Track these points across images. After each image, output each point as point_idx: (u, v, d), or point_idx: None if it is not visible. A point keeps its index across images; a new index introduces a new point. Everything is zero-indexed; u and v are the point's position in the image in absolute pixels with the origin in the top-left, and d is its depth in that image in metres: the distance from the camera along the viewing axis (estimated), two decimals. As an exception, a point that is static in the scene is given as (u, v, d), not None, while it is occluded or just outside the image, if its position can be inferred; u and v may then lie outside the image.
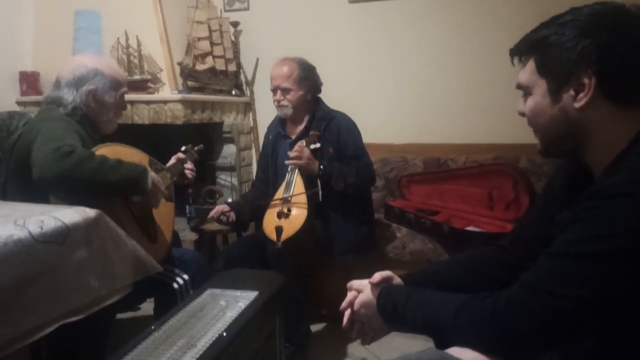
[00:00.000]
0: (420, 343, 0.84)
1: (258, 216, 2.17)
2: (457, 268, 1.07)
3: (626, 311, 0.71)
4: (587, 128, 0.80)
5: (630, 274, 0.68)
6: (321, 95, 2.28)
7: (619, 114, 0.78)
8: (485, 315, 0.76)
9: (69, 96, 1.65)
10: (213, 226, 2.53)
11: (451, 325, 0.80)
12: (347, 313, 1.00)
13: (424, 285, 0.98)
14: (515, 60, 0.88)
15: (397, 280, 1.03)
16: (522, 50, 0.86)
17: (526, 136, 0.94)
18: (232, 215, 2.19)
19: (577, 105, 0.79)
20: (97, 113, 1.71)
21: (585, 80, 0.77)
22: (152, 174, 1.55)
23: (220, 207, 2.19)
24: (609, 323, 0.73)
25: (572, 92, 0.79)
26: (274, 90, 2.20)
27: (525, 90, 0.87)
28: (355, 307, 0.97)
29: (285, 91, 2.16)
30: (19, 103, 3.00)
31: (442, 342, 0.82)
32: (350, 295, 1.00)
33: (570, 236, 0.73)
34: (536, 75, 0.83)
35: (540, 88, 0.83)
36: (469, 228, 2.24)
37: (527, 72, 0.85)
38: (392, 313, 0.89)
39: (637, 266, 0.67)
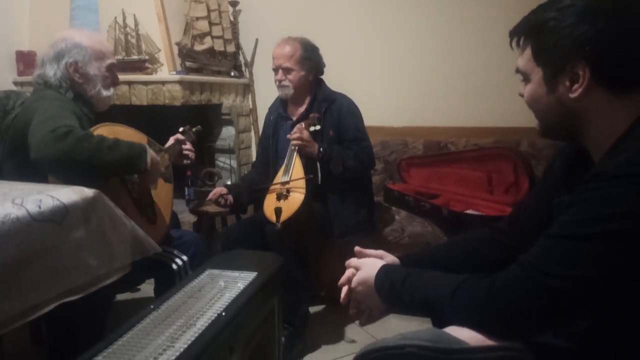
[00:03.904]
0: (418, 325, 0.84)
1: (257, 199, 2.17)
2: (455, 249, 1.07)
3: (623, 292, 0.71)
4: (584, 116, 0.80)
5: (628, 256, 0.68)
6: (322, 77, 2.26)
7: (616, 101, 0.77)
8: (483, 295, 0.76)
9: (50, 71, 1.63)
10: (212, 208, 2.53)
11: (448, 304, 0.80)
12: (345, 289, 1.00)
13: (421, 265, 0.98)
14: (514, 43, 0.87)
15: (391, 259, 1.03)
16: (520, 34, 0.85)
17: (527, 119, 0.93)
18: (230, 198, 2.18)
19: (572, 95, 0.78)
20: (83, 87, 1.67)
21: (580, 72, 0.77)
22: (151, 153, 1.53)
23: (218, 190, 2.19)
24: (606, 304, 0.73)
25: (567, 83, 0.79)
26: (276, 70, 2.17)
27: (524, 76, 0.86)
28: (353, 284, 0.97)
29: (286, 71, 2.14)
30: (15, 83, 2.97)
31: (439, 322, 0.82)
32: (348, 271, 1.01)
33: (570, 217, 0.73)
34: (532, 63, 0.83)
35: (537, 75, 0.82)
36: (468, 211, 2.24)
37: (524, 58, 0.84)
38: (389, 291, 0.90)
39: (634, 247, 0.67)
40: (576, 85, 0.78)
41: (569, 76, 0.78)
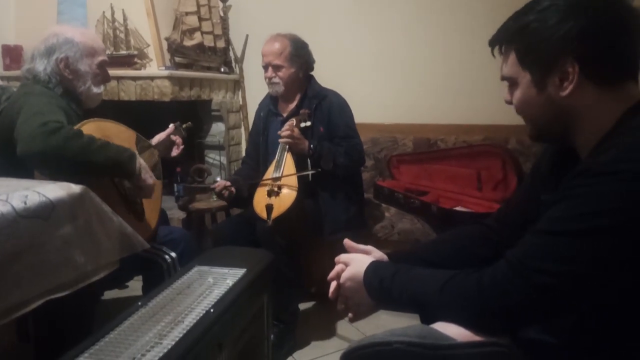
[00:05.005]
0: (407, 321, 0.84)
1: (253, 194, 2.16)
2: (443, 245, 1.08)
3: (610, 288, 0.72)
4: (575, 113, 0.80)
5: (615, 252, 0.69)
6: (312, 74, 2.25)
7: (604, 95, 0.78)
8: (471, 291, 0.77)
9: (40, 66, 1.61)
10: (201, 205, 2.52)
11: (437, 301, 0.80)
12: (334, 284, 1.00)
13: (410, 262, 0.98)
14: (496, 51, 0.88)
15: (379, 254, 1.03)
16: (502, 41, 0.86)
17: (515, 117, 0.94)
18: (233, 191, 2.15)
19: (562, 93, 0.79)
20: (73, 84, 1.65)
21: (569, 69, 0.77)
22: (140, 160, 1.53)
23: (222, 182, 2.15)
24: (593, 300, 0.74)
25: (556, 81, 0.79)
26: (265, 67, 2.16)
27: (511, 82, 0.86)
28: (342, 279, 0.97)
29: (276, 68, 2.13)
30: (2, 77, 2.93)
31: (428, 318, 0.82)
32: (338, 267, 1.01)
33: (556, 214, 0.74)
34: (519, 67, 0.83)
35: (525, 79, 0.83)
36: (457, 208, 2.25)
37: (509, 64, 0.85)
38: (378, 288, 0.90)
39: (621, 244, 0.68)
40: (566, 83, 0.78)
41: (558, 75, 0.79)
